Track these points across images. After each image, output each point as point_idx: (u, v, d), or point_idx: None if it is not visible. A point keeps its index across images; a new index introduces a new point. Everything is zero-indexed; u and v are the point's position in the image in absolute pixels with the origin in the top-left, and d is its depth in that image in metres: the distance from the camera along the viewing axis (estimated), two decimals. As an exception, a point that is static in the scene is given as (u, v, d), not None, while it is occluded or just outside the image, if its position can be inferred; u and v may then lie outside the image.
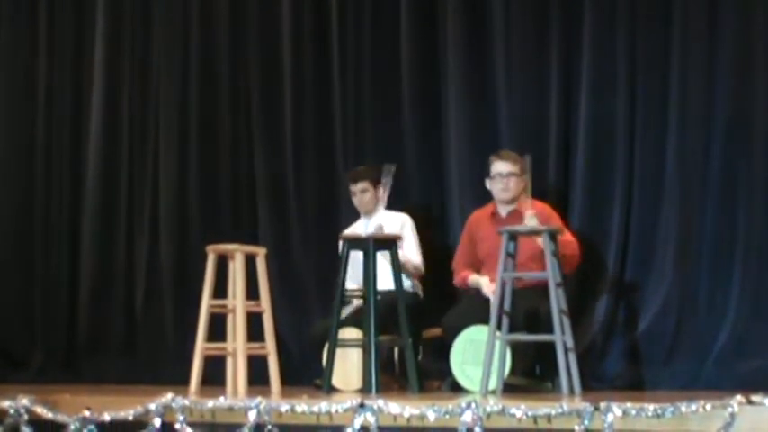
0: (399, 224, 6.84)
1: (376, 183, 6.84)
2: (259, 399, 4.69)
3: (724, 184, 6.51)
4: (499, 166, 6.45)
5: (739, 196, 6.47)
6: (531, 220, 6.10)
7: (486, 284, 6.31)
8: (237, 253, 6.30)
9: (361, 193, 6.89)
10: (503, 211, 6.51)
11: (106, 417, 4.92)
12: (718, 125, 6.54)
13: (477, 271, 6.55)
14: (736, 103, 6.51)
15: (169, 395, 4.81)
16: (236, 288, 6.26)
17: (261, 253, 6.40)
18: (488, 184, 6.53)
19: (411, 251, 6.81)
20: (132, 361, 7.88)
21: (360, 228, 6.82)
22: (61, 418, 4.97)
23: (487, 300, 6.08)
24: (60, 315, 8.17)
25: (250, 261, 6.34)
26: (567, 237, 6.27)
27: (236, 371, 6.22)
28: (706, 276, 6.51)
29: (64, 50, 8.37)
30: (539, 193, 6.68)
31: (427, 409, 4.46)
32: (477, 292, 6.41)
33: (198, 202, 7.93)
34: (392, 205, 6.93)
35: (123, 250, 8.10)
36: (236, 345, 6.23)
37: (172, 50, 8.11)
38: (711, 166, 6.54)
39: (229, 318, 6.37)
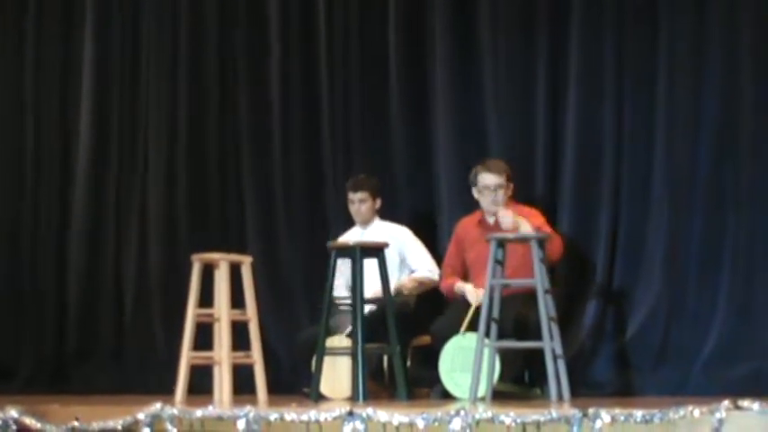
0: (398, 237, 6.80)
1: (375, 194, 6.85)
2: (248, 408, 4.68)
3: (712, 191, 6.52)
4: (487, 179, 6.43)
5: (727, 203, 6.49)
6: (505, 219, 6.13)
7: (471, 291, 6.31)
8: (222, 262, 6.26)
9: (359, 202, 6.88)
10: (490, 218, 6.51)
11: (95, 427, 4.90)
12: (706, 133, 6.56)
13: (464, 278, 6.56)
14: (723, 110, 6.53)
15: (158, 405, 4.80)
16: (221, 297, 6.24)
17: (246, 261, 6.38)
18: (476, 193, 6.53)
19: (425, 261, 6.80)
20: (121, 369, 7.85)
21: (354, 236, 6.82)
22: (50, 428, 4.95)
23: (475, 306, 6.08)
24: (49, 324, 8.13)
25: (236, 270, 6.33)
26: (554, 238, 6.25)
27: (222, 380, 6.21)
28: (694, 282, 6.53)
29: (52, 53, 8.31)
30: (527, 199, 6.70)
31: (416, 417, 4.45)
32: (463, 299, 6.41)
33: (186, 213, 7.91)
34: (382, 213, 6.95)
35: (111, 259, 8.07)
36: (222, 354, 6.22)
37: (161, 54, 8.11)
38: (699, 173, 6.56)
39: (216, 327, 6.36)
